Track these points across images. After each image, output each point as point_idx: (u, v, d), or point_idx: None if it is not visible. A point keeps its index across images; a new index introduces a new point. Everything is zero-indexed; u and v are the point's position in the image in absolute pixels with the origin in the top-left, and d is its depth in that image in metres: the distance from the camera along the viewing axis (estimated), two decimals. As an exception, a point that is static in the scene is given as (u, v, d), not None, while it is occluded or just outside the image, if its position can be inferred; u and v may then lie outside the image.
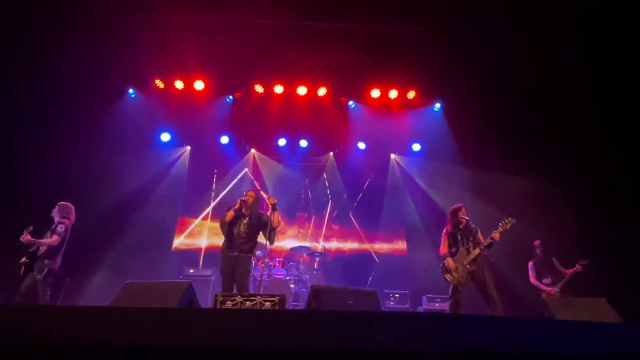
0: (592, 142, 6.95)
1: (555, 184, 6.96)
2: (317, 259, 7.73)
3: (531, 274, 6.33)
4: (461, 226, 5.11)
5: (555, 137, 7.18)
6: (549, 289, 6.09)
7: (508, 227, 4.93)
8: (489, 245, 4.86)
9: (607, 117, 6.79)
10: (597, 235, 6.41)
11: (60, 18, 6.49)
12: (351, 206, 9.03)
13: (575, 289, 5.91)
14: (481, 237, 4.98)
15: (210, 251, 8.41)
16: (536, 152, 7.21)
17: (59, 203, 5.35)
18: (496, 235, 4.87)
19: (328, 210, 9.09)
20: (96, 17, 6.60)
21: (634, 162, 6.60)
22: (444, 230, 5.30)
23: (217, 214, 8.51)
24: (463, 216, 5.09)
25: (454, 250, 5.10)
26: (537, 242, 6.44)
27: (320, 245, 8.22)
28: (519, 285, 6.57)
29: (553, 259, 6.29)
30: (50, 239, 5.01)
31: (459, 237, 5.09)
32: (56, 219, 5.23)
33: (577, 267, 5.98)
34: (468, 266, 4.87)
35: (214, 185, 8.96)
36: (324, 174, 9.31)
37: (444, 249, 5.19)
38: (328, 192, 9.20)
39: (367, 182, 9.10)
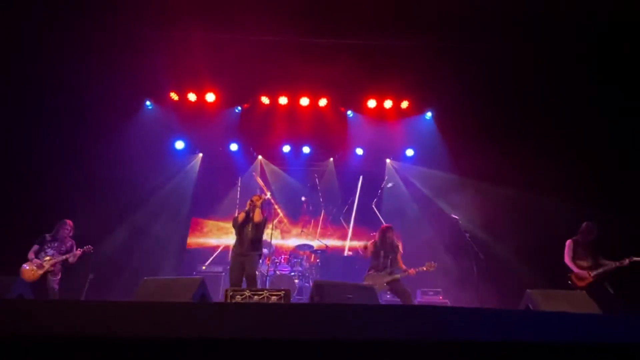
0: (580, 149, 6.70)
1: (542, 189, 6.76)
2: (320, 256, 7.71)
3: (567, 252, 5.26)
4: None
5: (542, 143, 7.06)
6: (582, 272, 5.04)
7: (430, 270, 5.31)
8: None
9: (596, 124, 6.61)
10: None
11: (81, 36, 6.51)
12: (350, 207, 9.02)
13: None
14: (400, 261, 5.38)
15: (221, 249, 8.42)
16: (523, 158, 7.03)
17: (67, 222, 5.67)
18: (412, 271, 5.24)
19: (329, 211, 9.08)
20: (116, 34, 6.63)
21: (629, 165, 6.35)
22: None
23: (227, 215, 8.56)
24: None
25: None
26: (586, 224, 5.31)
27: (322, 243, 8.20)
28: (506, 278, 6.54)
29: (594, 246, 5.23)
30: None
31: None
32: (70, 235, 5.67)
33: (626, 261, 4.90)
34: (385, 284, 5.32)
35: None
36: (326, 178, 9.33)
37: None
38: (329, 194, 9.20)
39: (368, 185, 9.09)
